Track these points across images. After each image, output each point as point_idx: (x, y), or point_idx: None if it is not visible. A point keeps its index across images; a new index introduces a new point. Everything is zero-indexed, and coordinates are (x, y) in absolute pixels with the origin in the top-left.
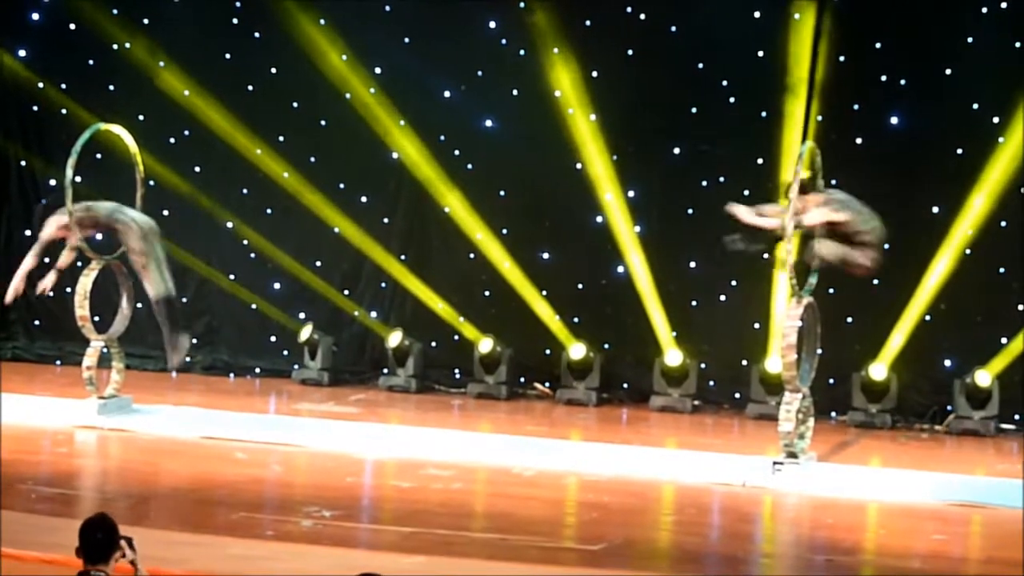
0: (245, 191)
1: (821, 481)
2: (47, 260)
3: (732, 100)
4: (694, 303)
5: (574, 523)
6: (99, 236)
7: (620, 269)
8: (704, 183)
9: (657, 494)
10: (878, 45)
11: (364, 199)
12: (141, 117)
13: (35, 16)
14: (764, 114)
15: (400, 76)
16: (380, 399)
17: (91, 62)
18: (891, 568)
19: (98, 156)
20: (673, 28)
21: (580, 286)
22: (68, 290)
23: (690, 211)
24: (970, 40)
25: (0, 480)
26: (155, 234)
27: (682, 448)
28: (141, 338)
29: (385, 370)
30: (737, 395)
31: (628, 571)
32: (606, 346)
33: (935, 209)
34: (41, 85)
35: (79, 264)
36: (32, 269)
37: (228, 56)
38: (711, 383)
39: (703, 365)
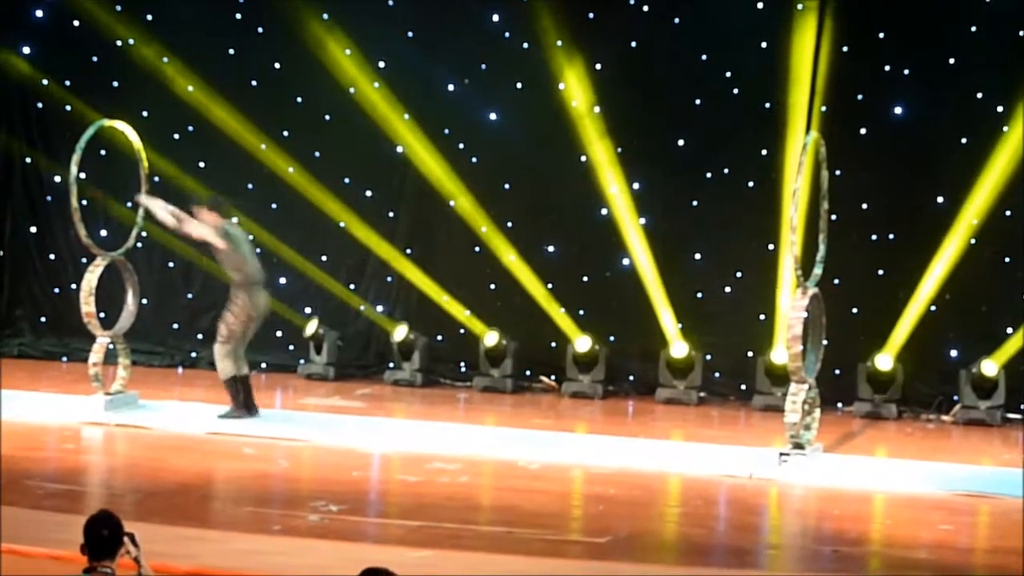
0: (250, 186)
1: (827, 472)
2: (51, 256)
3: (736, 92)
4: (699, 295)
5: (580, 516)
6: (104, 232)
7: (625, 262)
8: (708, 175)
9: (663, 486)
10: (881, 35)
11: (369, 193)
12: (145, 113)
13: (39, 13)
14: (768, 105)
15: (404, 70)
16: (386, 393)
17: (95, 59)
18: (898, 558)
19: (102, 152)
20: (676, 20)
21: (585, 279)
22: (73, 286)
23: (695, 203)
24: (973, 29)
25: (2, 476)
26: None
27: (688, 440)
28: (147, 334)
29: (391, 364)
30: (743, 387)
31: (634, 563)
32: (611, 339)
33: (939, 199)
34: (45, 82)
35: (83, 260)
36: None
37: (232, 52)
38: (717, 375)
39: (709, 357)
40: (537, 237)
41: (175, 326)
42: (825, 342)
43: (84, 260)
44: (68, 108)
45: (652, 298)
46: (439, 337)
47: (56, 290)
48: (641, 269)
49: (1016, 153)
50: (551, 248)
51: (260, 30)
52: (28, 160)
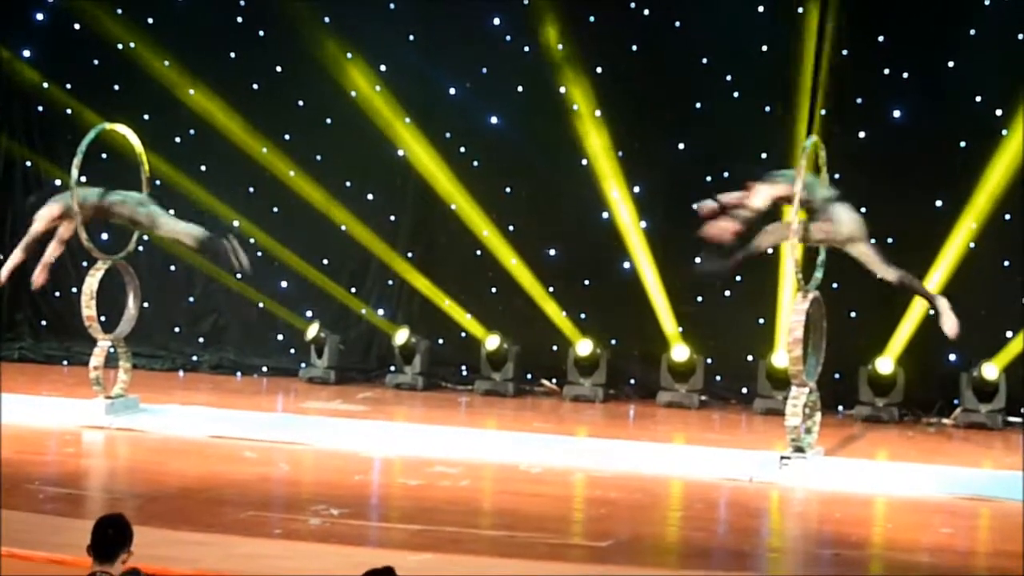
0: (251, 190)
1: (828, 476)
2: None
3: (736, 95)
4: (700, 299)
5: (581, 519)
6: (105, 236)
7: (626, 265)
8: (709, 179)
9: (664, 490)
10: (881, 39)
11: (370, 197)
12: (146, 117)
13: (39, 16)
14: (768, 109)
15: (405, 74)
16: (387, 397)
17: (96, 62)
18: (899, 562)
19: (103, 156)
20: (677, 24)
21: (586, 282)
22: (74, 290)
23: (695, 207)
24: (972, 33)
25: (3, 479)
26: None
27: (689, 444)
28: (148, 338)
29: (392, 368)
30: (744, 390)
31: (636, 567)
32: (613, 342)
33: (938, 203)
34: (46, 85)
35: (84, 264)
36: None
37: (233, 55)
38: (718, 378)
39: (709, 360)
40: (538, 241)
41: (176, 330)
42: (826, 345)
43: (85, 264)
44: (69, 111)
45: (653, 302)
46: (440, 341)
47: (57, 294)
48: (642, 273)
49: (1015, 157)
50: (552, 252)
51: (261, 33)
52: (29, 164)
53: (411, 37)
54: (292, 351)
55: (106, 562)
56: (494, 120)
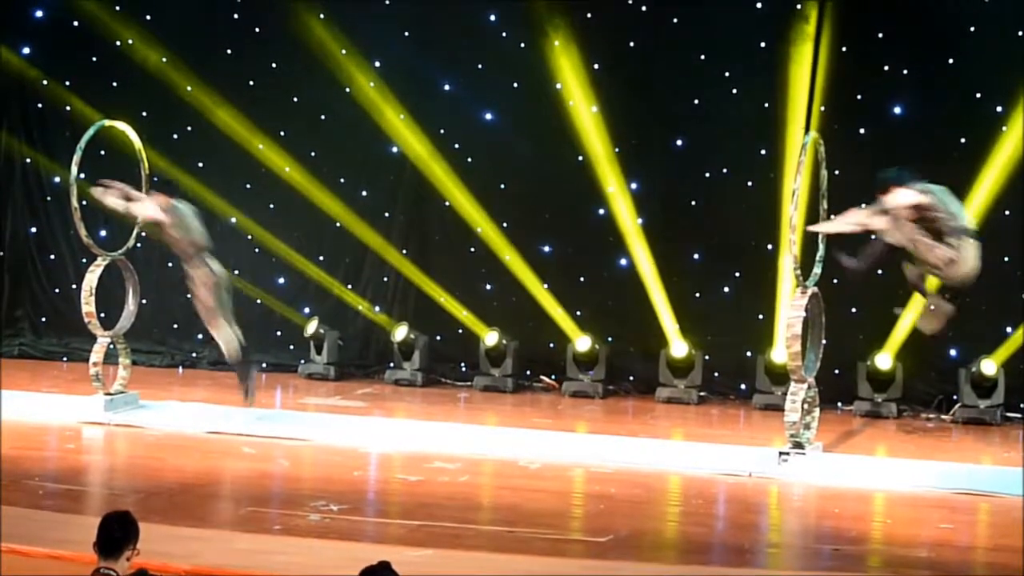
0: (248, 186)
1: (827, 471)
2: (52, 257)
3: (735, 91)
4: (698, 294)
5: (581, 515)
6: (104, 233)
7: (623, 261)
8: (707, 175)
9: (663, 485)
10: (880, 35)
11: (365, 193)
12: (144, 113)
13: (39, 13)
14: (767, 105)
15: (400, 69)
16: (386, 393)
17: (94, 59)
18: (898, 557)
19: (102, 152)
20: (675, 19)
21: (582, 279)
22: (74, 286)
23: (693, 203)
24: (972, 29)
25: (3, 475)
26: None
27: (688, 439)
28: (147, 334)
29: (391, 364)
30: (743, 386)
31: (635, 562)
32: (611, 339)
33: None
34: (45, 82)
35: (84, 260)
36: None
37: (229, 51)
38: (716, 374)
39: (708, 356)
40: (534, 237)
41: (175, 326)
42: (824, 341)
43: (84, 260)
44: (68, 108)
45: (652, 298)
46: (439, 337)
47: (56, 290)
48: (640, 269)
49: (1015, 153)
50: (547, 248)
51: (257, 30)
52: (28, 160)
53: (406, 33)
54: (291, 347)
55: (111, 558)
56: (489, 116)
